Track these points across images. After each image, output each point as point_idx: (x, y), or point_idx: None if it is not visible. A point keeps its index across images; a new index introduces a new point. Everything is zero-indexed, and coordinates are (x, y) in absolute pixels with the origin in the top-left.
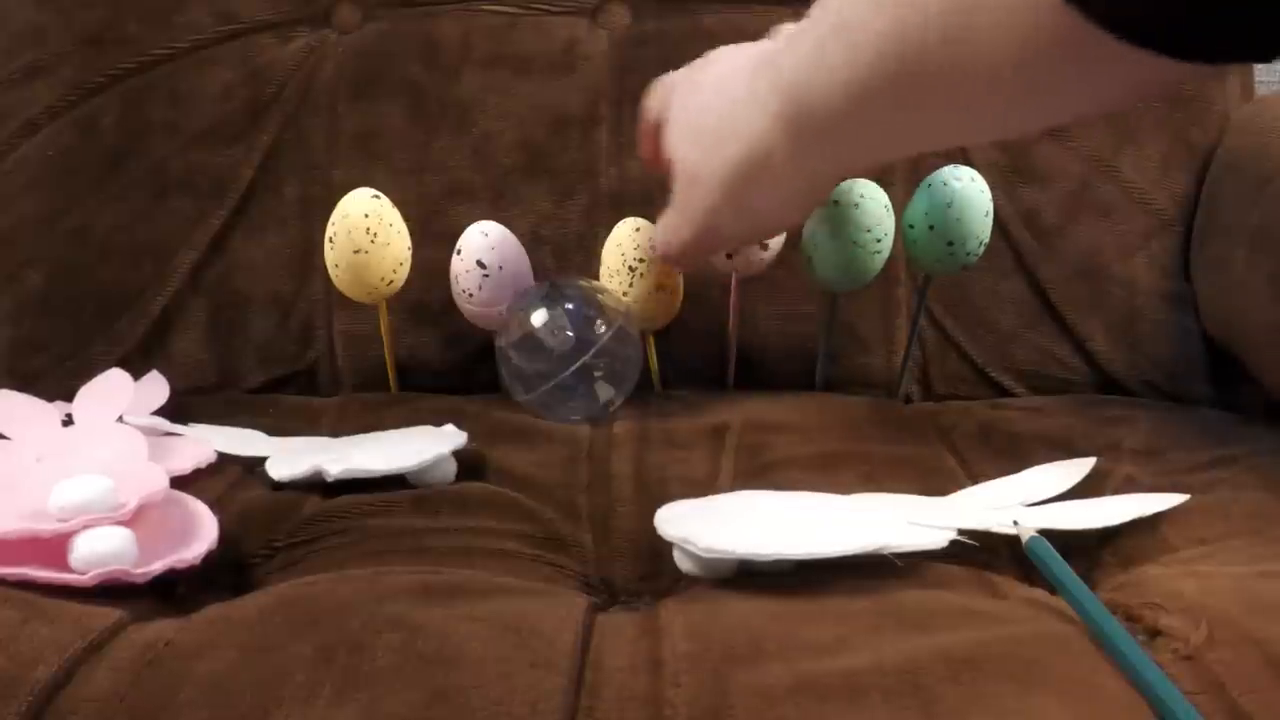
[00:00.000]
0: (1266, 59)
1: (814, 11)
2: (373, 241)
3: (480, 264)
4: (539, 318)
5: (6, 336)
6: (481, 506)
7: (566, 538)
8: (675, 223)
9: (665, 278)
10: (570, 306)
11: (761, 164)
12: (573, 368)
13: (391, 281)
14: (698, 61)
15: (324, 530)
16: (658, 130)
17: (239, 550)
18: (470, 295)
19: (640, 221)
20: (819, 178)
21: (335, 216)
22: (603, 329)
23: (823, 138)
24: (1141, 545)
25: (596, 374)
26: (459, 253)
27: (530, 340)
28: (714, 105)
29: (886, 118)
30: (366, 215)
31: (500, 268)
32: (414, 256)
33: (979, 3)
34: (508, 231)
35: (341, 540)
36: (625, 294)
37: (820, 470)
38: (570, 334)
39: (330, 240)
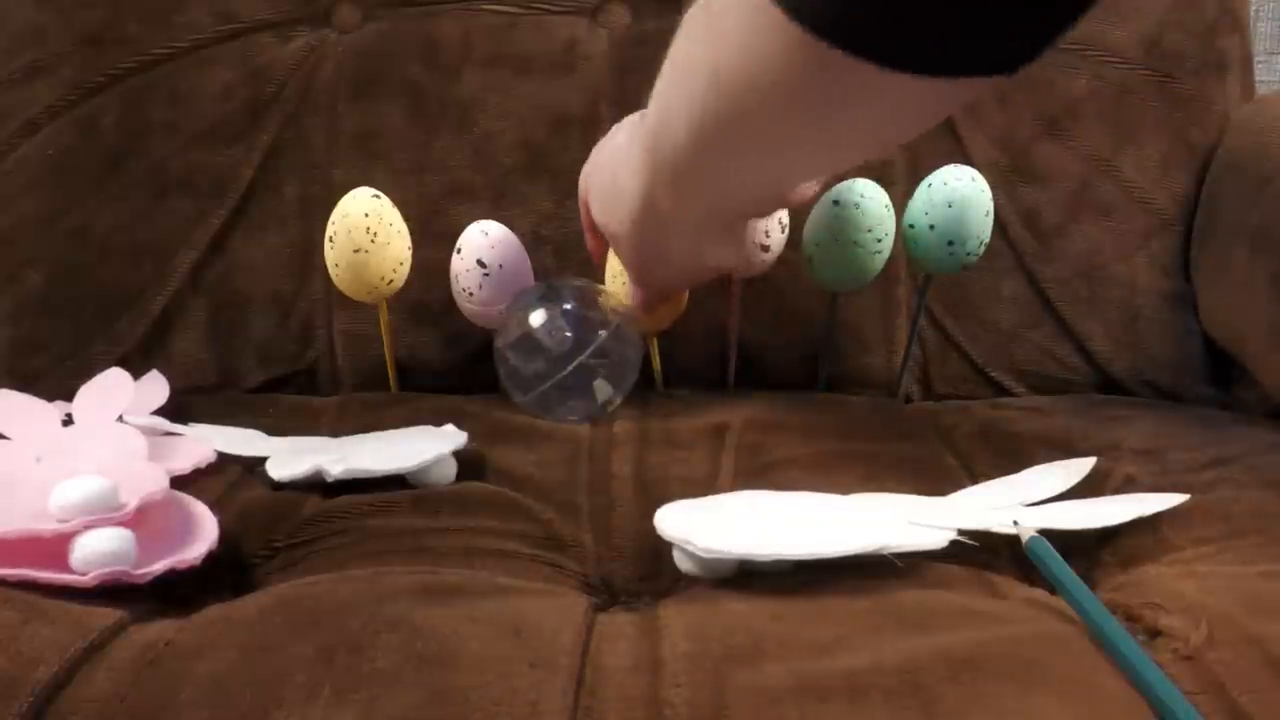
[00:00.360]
0: (1000, 71)
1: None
2: (373, 241)
3: (480, 263)
4: (537, 318)
5: (6, 336)
6: (481, 506)
7: (566, 538)
8: (629, 281)
9: None
10: (568, 307)
11: (650, 216)
12: (570, 368)
13: (391, 281)
14: (612, 129)
15: (324, 530)
16: (588, 202)
17: (239, 550)
18: (470, 294)
19: None
20: (707, 218)
21: (335, 216)
22: (601, 329)
23: (686, 183)
24: (1141, 545)
25: (595, 374)
26: (459, 252)
27: (528, 340)
28: (606, 169)
29: (724, 158)
30: (366, 215)
31: (500, 267)
32: (414, 256)
33: (729, 42)
34: (508, 231)
35: (341, 540)
36: (629, 297)
37: (820, 470)
38: (568, 334)
39: (330, 240)
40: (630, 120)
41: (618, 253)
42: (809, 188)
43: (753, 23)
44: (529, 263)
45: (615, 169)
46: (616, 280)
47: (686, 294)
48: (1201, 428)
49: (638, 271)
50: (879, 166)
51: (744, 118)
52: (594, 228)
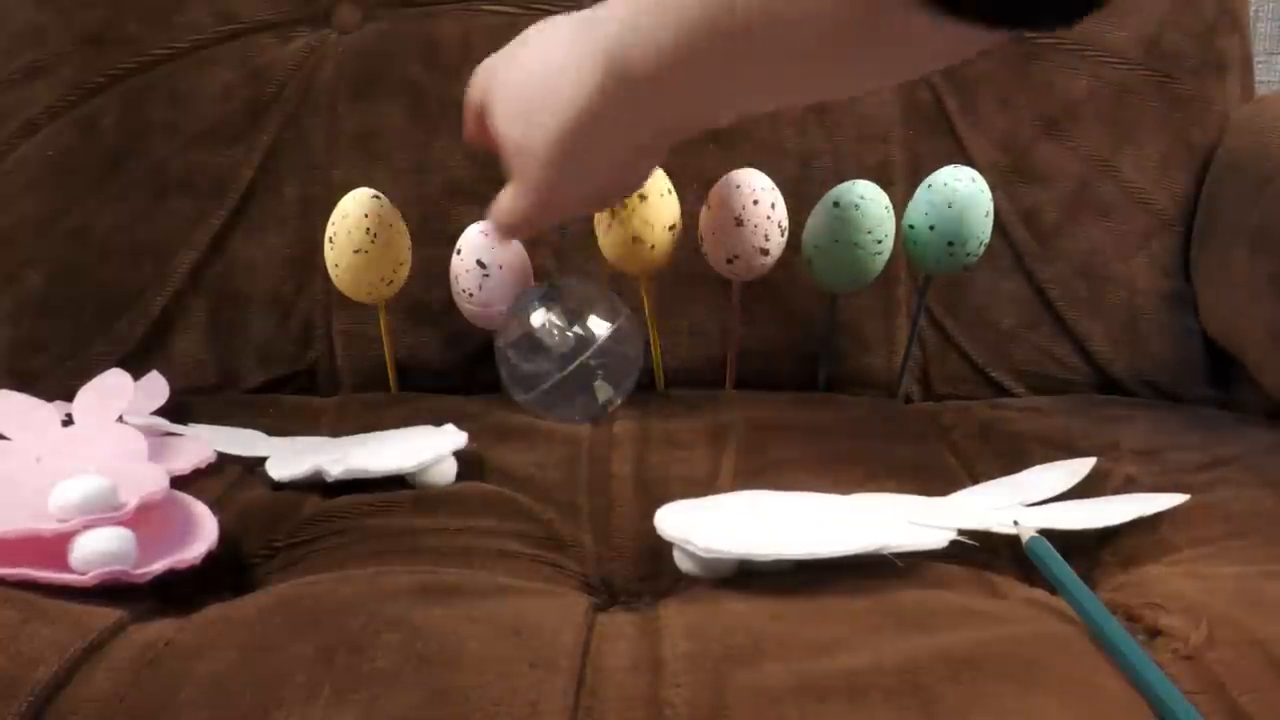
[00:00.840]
0: (1062, 23)
1: None
2: (373, 241)
3: (480, 263)
4: (538, 318)
5: (6, 336)
6: (481, 506)
7: (566, 538)
8: (513, 196)
9: (644, 230)
10: (569, 306)
11: (589, 127)
12: (571, 367)
13: (391, 281)
14: (516, 39)
15: (324, 530)
16: (481, 114)
17: (239, 550)
18: (470, 295)
19: None
20: (648, 136)
21: (335, 216)
22: (602, 329)
23: (645, 97)
24: (1141, 545)
25: (596, 374)
26: (459, 252)
27: (529, 340)
28: (536, 76)
29: (704, 76)
30: (366, 215)
31: (500, 267)
32: (414, 256)
33: None
34: None
35: (341, 540)
36: (603, 235)
37: (820, 470)
38: (570, 334)
39: (330, 240)
40: (566, 26)
41: (520, 167)
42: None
43: None
44: (529, 263)
45: (546, 77)
46: (595, 219)
47: (663, 250)
48: (1201, 428)
49: (543, 186)
50: (879, 167)
51: (756, 39)
52: (480, 124)
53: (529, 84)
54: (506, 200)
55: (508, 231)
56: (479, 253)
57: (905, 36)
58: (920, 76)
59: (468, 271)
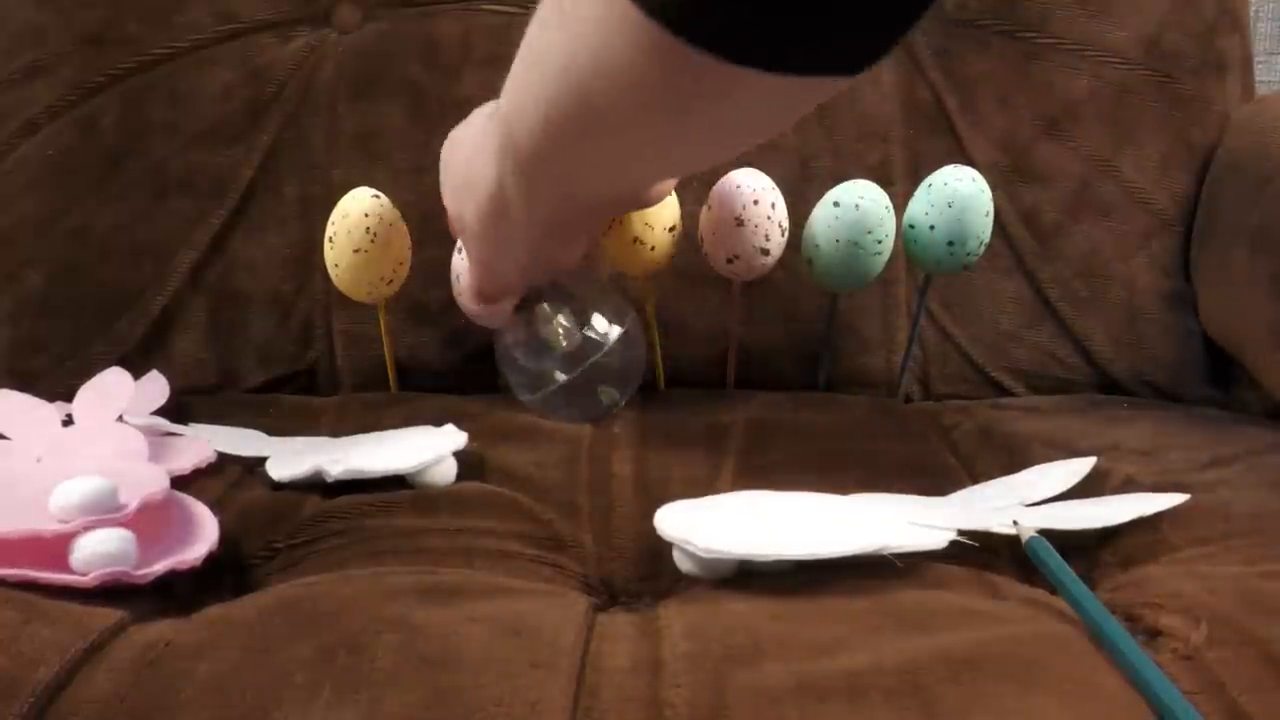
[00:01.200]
0: (849, 70)
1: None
2: (373, 241)
3: None
4: (546, 318)
5: (6, 336)
6: (481, 506)
7: (566, 538)
8: (469, 271)
9: (644, 232)
10: (578, 308)
11: (501, 206)
12: (578, 370)
13: (391, 281)
14: (470, 116)
15: (324, 530)
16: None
17: (239, 551)
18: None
19: None
20: (555, 215)
21: (335, 216)
22: (612, 331)
23: (539, 173)
24: (1141, 545)
25: (601, 376)
26: (460, 250)
27: (534, 341)
28: (462, 154)
29: (578, 154)
30: (366, 215)
31: None
32: (414, 256)
33: (582, 30)
34: None
35: (341, 540)
36: (604, 235)
37: (821, 470)
38: (578, 335)
39: (330, 240)
40: (488, 106)
41: (464, 241)
42: (665, 186)
43: (605, 12)
44: None
45: (470, 155)
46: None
47: (665, 253)
48: (1201, 428)
49: (480, 264)
50: (879, 167)
51: (595, 110)
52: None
53: (459, 164)
54: (469, 274)
55: (475, 307)
56: None
57: (722, 93)
58: (778, 132)
59: (469, 270)
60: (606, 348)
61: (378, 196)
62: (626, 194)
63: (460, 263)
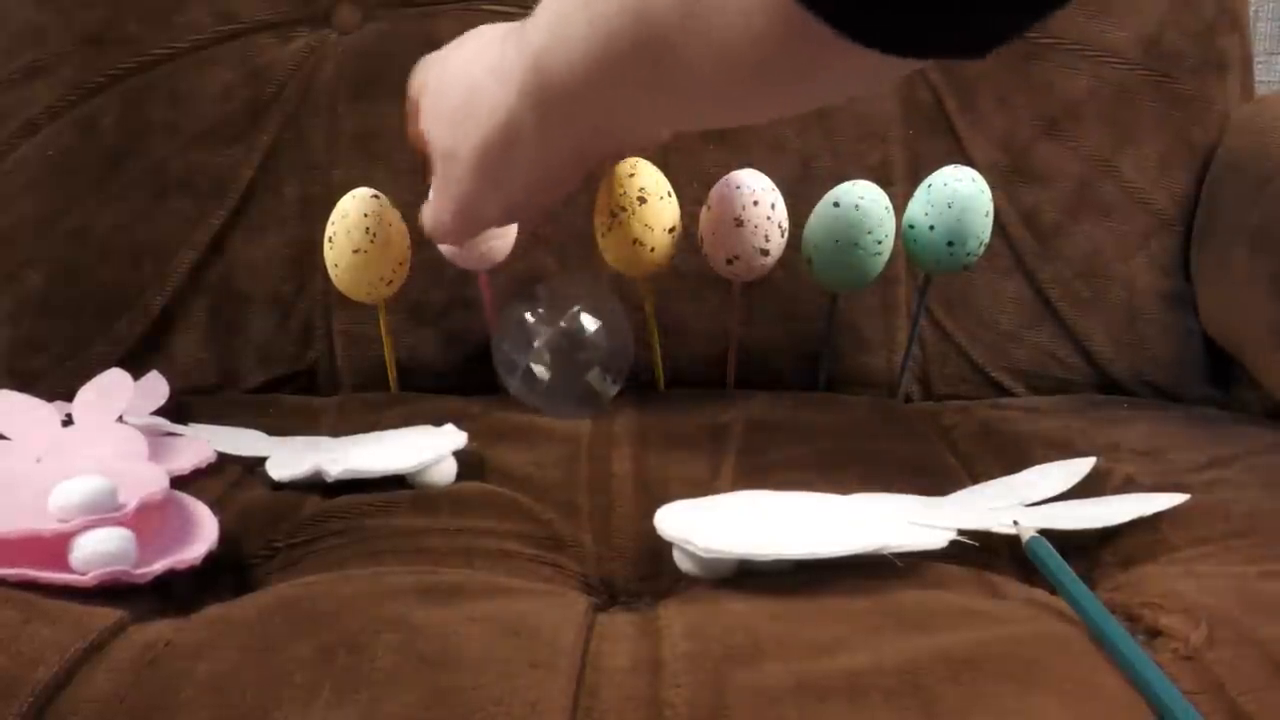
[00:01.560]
0: (977, 54)
1: None
2: (372, 241)
3: None
4: (533, 315)
5: (6, 336)
6: (481, 506)
7: (566, 538)
8: (438, 203)
9: (644, 233)
10: (560, 303)
11: (511, 138)
12: (566, 362)
13: (391, 281)
14: (454, 41)
15: (324, 530)
16: (418, 111)
17: (239, 550)
18: None
19: (638, 162)
20: (567, 152)
21: (335, 216)
22: (595, 325)
23: (566, 110)
24: (1141, 545)
25: (591, 367)
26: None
27: (526, 337)
28: (463, 80)
29: (626, 93)
30: (366, 215)
31: None
32: (414, 256)
33: None
34: None
35: (341, 540)
36: (602, 237)
37: (820, 470)
38: (562, 328)
39: (330, 240)
40: (500, 31)
41: (444, 173)
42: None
43: None
44: None
45: (478, 84)
46: (598, 219)
47: (664, 254)
48: (1201, 428)
49: (461, 197)
50: (879, 167)
51: (673, 62)
52: (417, 122)
53: (457, 90)
54: (434, 206)
55: (434, 239)
56: None
57: (818, 69)
58: (845, 98)
59: (444, 203)
60: (590, 338)
61: (377, 196)
62: (651, 137)
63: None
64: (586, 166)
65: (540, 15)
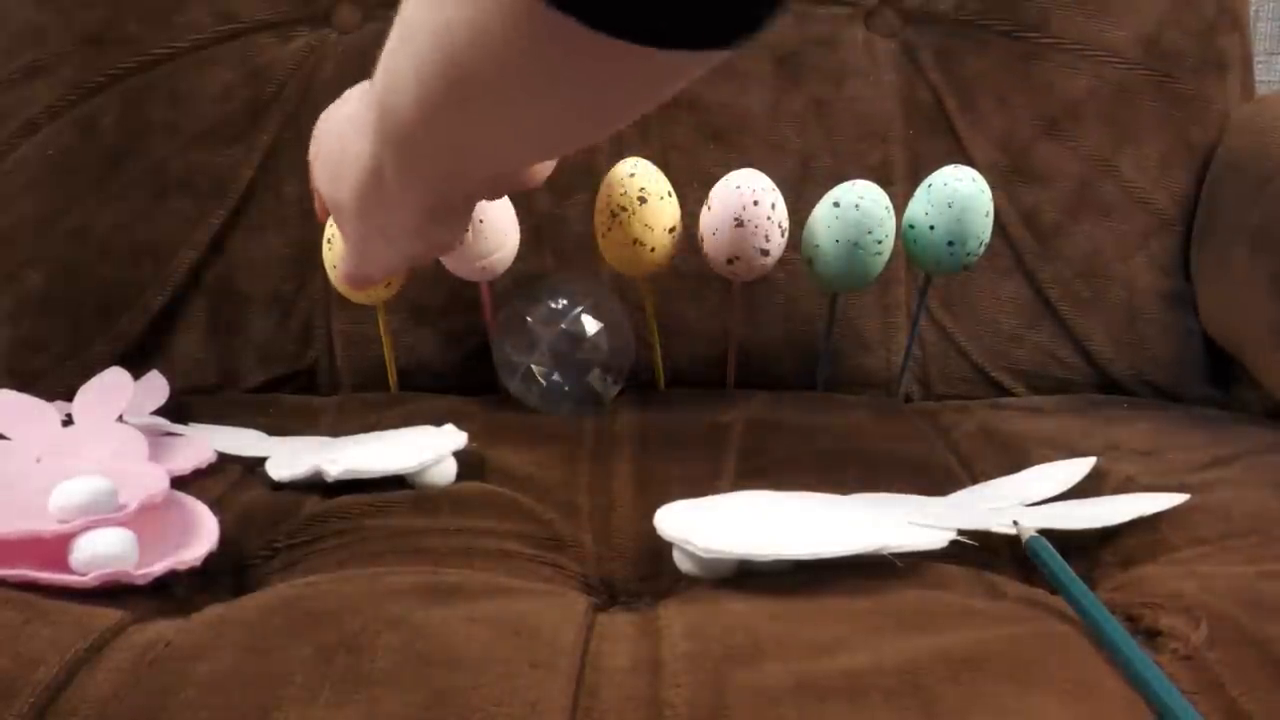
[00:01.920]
0: (718, 45)
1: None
2: None
3: None
4: (534, 314)
5: (6, 336)
6: (481, 506)
7: (566, 538)
8: (346, 254)
9: (644, 234)
10: (564, 303)
11: (376, 185)
12: (568, 363)
13: (390, 284)
14: (342, 95)
15: (324, 530)
16: (312, 171)
17: (239, 551)
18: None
19: (638, 162)
20: (438, 195)
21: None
22: (596, 326)
23: (412, 152)
24: (1141, 545)
25: (591, 367)
26: (329, 240)
27: (527, 336)
28: (334, 132)
29: (451, 126)
30: None
31: (481, 221)
32: None
33: (456, 2)
34: None
35: (341, 540)
36: (603, 237)
37: (820, 470)
38: (564, 329)
39: (328, 241)
40: (362, 86)
41: (339, 224)
42: (544, 169)
43: None
44: (514, 214)
45: (344, 135)
46: (599, 219)
47: (665, 255)
48: (1201, 428)
49: (356, 247)
50: (879, 167)
51: (468, 81)
52: (317, 194)
53: (331, 143)
54: (345, 254)
55: (349, 287)
56: None
57: (591, 63)
58: (652, 108)
59: (344, 252)
60: (591, 338)
61: None
62: (505, 173)
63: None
64: (468, 205)
65: (380, 60)
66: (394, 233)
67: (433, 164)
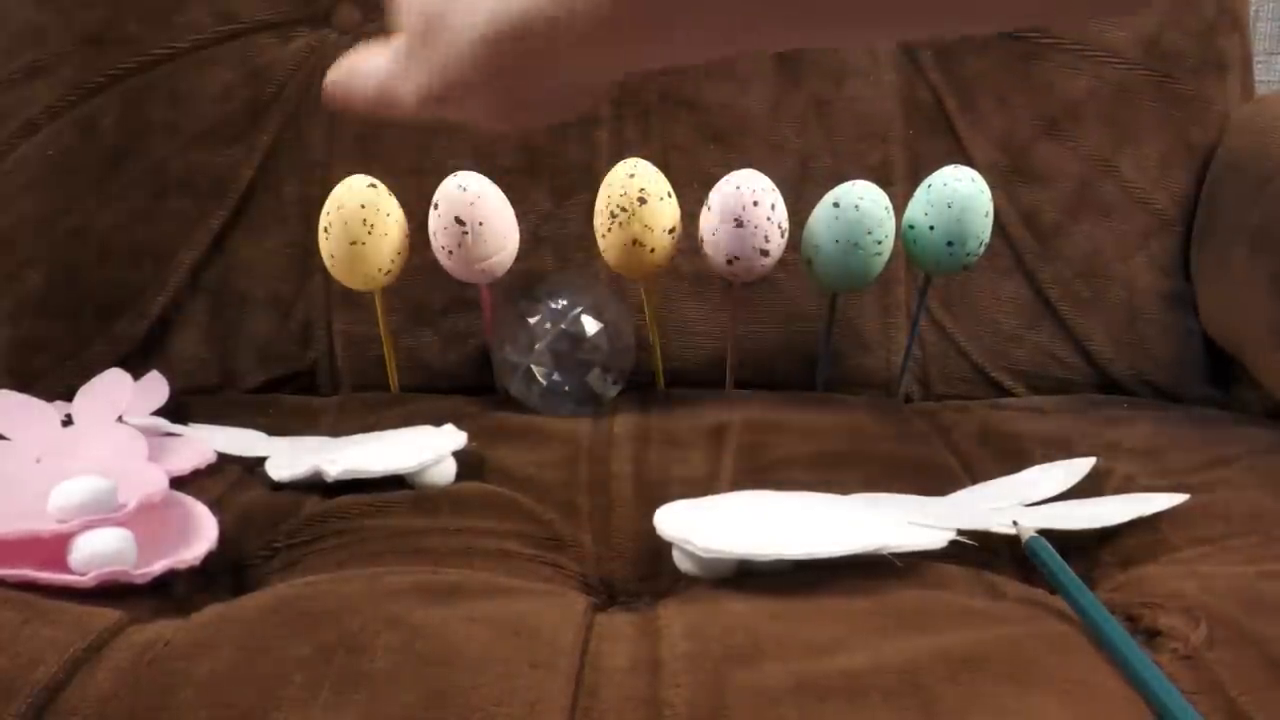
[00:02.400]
0: None
1: None
2: (369, 233)
3: (458, 220)
4: (534, 315)
5: (6, 336)
6: (481, 506)
7: (566, 538)
8: (403, 67)
9: (644, 234)
10: (564, 303)
11: (551, 29)
12: (568, 363)
13: (389, 271)
14: None
15: (324, 530)
16: None
17: (239, 550)
18: (450, 252)
19: (638, 162)
20: (617, 66)
21: (329, 206)
22: (596, 326)
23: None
24: (1141, 545)
25: (592, 370)
26: (436, 207)
27: (526, 336)
28: None
29: None
30: (363, 206)
31: (480, 224)
32: (414, 256)
33: None
34: (488, 184)
35: (341, 540)
36: (603, 238)
37: (820, 470)
38: (564, 329)
39: (325, 230)
40: None
41: (426, 38)
42: None
43: None
44: (513, 215)
45: None
46: (597, 220)
47: (664, 256)
48: (1201, 428)
49: (450, 75)
50: (879, 167)
51: None
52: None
53: None
54: (394, 67)
55: (378, 102)
56: (457, 210)
57: None
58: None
59: (445, 229)
60: (592, 339)
61: (374, 185)
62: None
63: (437, 219)
64: (607, 85)
65: None
66: (558, 71)
67: (688, 32)
